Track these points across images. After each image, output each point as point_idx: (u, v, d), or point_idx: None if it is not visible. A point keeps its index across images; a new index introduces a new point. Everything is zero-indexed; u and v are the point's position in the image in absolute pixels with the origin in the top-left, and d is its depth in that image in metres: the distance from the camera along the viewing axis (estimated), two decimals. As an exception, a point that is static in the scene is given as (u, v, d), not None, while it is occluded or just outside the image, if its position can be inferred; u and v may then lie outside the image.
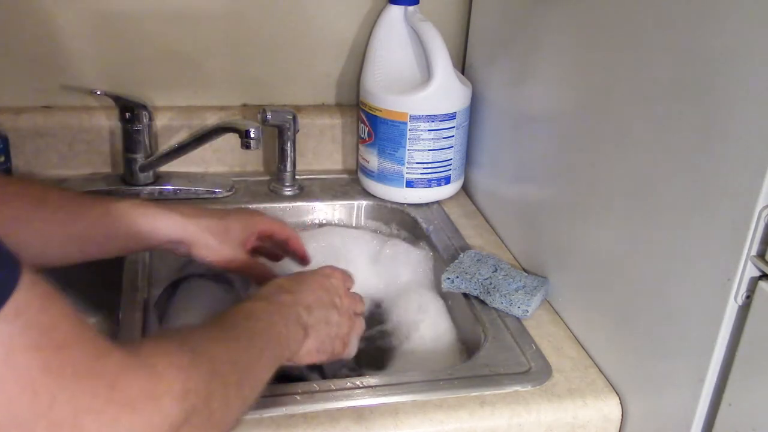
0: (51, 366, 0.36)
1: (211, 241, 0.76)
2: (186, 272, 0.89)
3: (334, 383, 0.69)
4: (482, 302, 0.83)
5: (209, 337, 0.52)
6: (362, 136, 1.05)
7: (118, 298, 0.81)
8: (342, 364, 0.79)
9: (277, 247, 0.86)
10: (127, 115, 1.00)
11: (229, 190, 1.06)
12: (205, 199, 1.03)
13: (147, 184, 1.04)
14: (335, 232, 1.01)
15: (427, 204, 1.06)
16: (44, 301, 0.37)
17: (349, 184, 1.11)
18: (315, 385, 0.69)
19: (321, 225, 1.05)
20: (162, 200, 0.78)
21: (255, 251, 0.83)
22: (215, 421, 0.47)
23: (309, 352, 0.66)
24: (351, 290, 0.76)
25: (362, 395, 0.68)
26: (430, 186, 1.03)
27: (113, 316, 0.78)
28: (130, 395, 0.39)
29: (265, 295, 0.65)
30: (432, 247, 0.97)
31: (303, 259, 0.87)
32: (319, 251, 0.97)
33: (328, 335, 0.68)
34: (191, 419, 0.43)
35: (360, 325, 0.74)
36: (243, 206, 1.01)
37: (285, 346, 0.62)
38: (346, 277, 0.76)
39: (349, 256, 0.97)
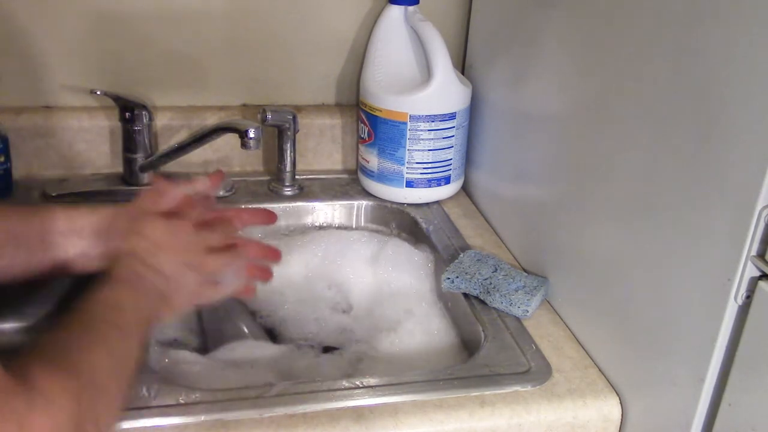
0: None
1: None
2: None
3: (334, 383, 0.69)
4: (482, 302, 0.83)
5: (87, 346, 0.54)
6: (362, 136, 1.05)
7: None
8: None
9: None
10: (127, 115, 1.00)
11: (229, 190, 1.06)
12: (205, 199, 1.03)
13: (147, 184, 1.04)
14: (334, 235, 1.01)
15: (427, 204, 1.06)
16: None
17: (349, 184, 1.11)
18: (315, 385, 0.69)
19: (321, 227, 1.05)
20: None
21: None
22: (103, 425, 0.51)
23: (179, 307, 0.69)
24: (215, 228, 0.74)
25: (362, 395, 0.68)
26: (430, 186, 1.03)
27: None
28: (36, 430, 0.43)
29: (123, 273, 0.65)
30: (432, 247, 0.97)
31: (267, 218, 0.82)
32: (318, 254, 0.97)
33: (184, 296, 0.70)
34: None
35: (213, 267, 0.72)
36: (240, 206, 1.01)
37: (149, 325, 0.64)
38: (202, 218, 0.74)
39: (348, 256, 0.97)
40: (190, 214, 0.73)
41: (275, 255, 0.79)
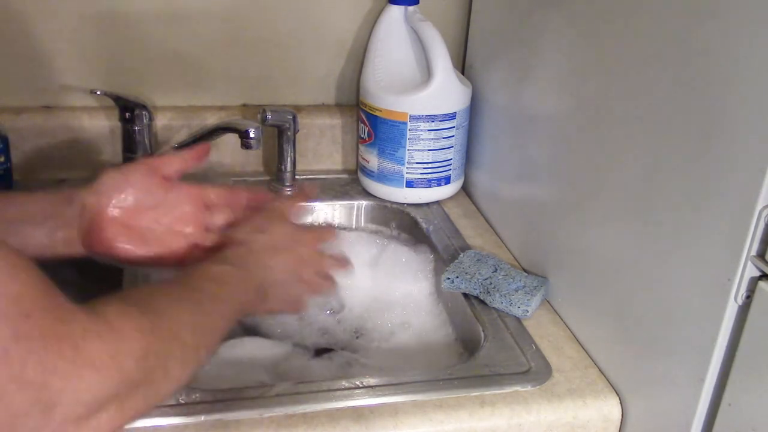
0: (20, 333, 0.40)
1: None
2: None
3: (333, 383, 0.69)
4: (482, 302, 0.83)
5: (173, 300, 0.55)
6: (362, 136, 1.05)
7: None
8: None
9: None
10: (127, 115, 1.00)
11: (229, 190, 1.06)
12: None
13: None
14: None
15: (427, 204, 1.06)
16: (12, 271, 0.41)
17: (349, 184, 1.11)
18: (315, 385, 0.69)
19: (320, 227, 1.05)
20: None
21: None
22: (171, 379, 0.51)
23: (261, 310, 0.72)
24: (327, 251, 0.77)
25: (362, 395, 0.68)
26: (430, 186, 1.03)
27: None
28: (92, 355, 0.43)
29: (233, 258, 0.66)
30: (432, 247, 0.97)
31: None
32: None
33: (284, 301, 0.71)
34: (149, 377, 0.47)
35: (320, 287, 0.75)
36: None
37: (241, 311, 0.64)
38: (324, 235, 0.77)
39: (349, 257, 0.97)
40: (322, 231, 0.77)
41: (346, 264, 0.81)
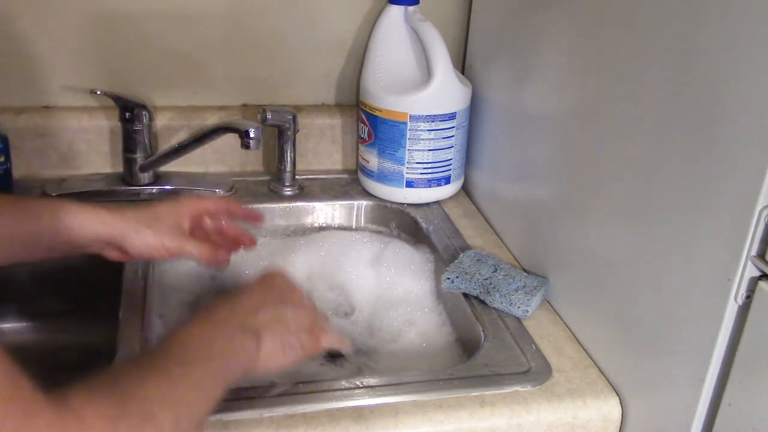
0: None
1: (142, 230, 0.72)
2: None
3: (334, 383, 0.69)
4: (482, 302, 0.83)
5: (141, 377, 0.51)
6: (362, 136, 1.05)
7: (118, 300, 0.81)
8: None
9: (219, 222, 0.81)
10: (127, 115, 1.00)
11: (229, 190, 1.06)
12: (205, 199, 1.03)
13: (147, 184, 1.04)
14: (334, 236, 1.01)
15: (427, 204, 1.06)
16: None
17: (349, 184, 1.11)
18: (315, 385, 0.69)
19: (321, 228, 1.05)
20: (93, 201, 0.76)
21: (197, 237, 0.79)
22: None
23: (273, 354, 0.62)
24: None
25: (362, 395, 0.68)
26: (430, 186, 1.03)
27: (113, 317, 0.78)
28: None
29: (199, 318, 0.61)
30: (432, 247, 0.97)
31: (255, 219, 0.86)
32: (318, 255, 0.97)
33: (287, 331, 0.64)
34: None
35: (324, 318, 0.71)
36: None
37: (233, 361, 0.59)
38: (288, 277, 0.72)
39: (350, 256, 0.97)
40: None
41: None
